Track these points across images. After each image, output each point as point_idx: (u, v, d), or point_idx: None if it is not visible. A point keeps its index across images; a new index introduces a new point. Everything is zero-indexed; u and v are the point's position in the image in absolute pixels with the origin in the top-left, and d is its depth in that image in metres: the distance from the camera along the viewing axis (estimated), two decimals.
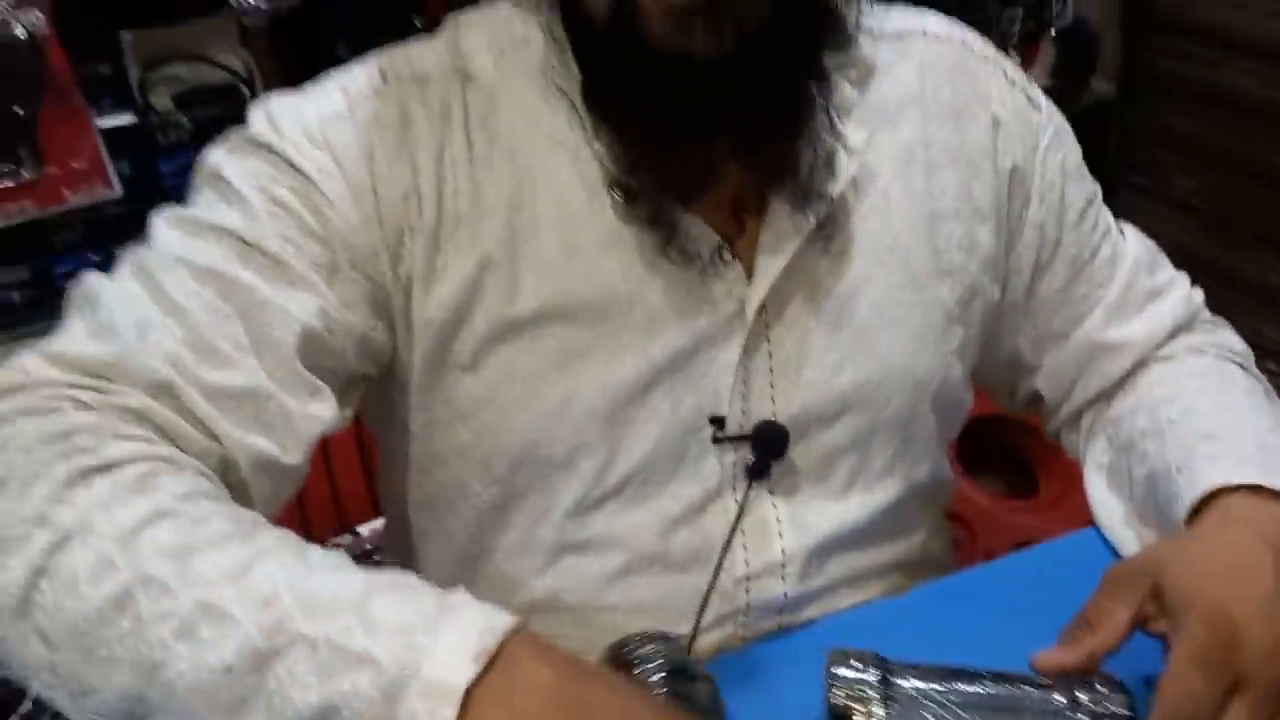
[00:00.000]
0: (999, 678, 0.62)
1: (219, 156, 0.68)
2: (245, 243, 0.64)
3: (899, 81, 0.76)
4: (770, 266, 0.70)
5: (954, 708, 0.60)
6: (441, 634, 0.47)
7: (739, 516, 0.73)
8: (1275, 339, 0.76)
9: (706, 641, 0.74)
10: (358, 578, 0.51)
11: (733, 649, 0.75)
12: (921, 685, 0.61)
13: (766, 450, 0.72)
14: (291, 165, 0.66)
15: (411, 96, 0.70)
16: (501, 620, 0.49)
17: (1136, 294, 0.83)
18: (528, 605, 0.75)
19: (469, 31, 0.73)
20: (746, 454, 0.73)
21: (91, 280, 0.63)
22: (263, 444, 0.62)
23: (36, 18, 1.25)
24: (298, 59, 1.49)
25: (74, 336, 0.60)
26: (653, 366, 0.70)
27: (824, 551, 0.76)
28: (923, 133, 0.76)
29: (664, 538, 0.74)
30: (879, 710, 0.59)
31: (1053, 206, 0.80)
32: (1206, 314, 0.86)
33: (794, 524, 0.75)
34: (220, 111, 1.43)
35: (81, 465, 0.53)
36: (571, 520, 0.73)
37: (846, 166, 0.71)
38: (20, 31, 1.24)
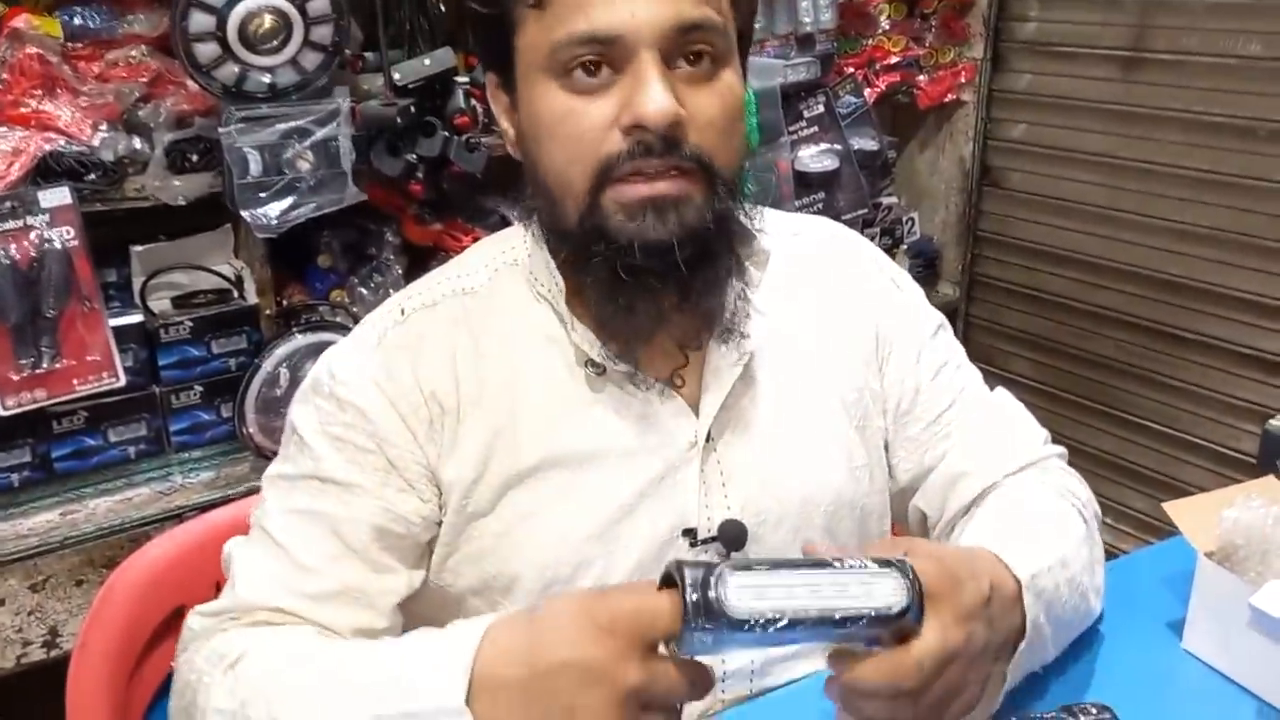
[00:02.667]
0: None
1: (294, 413, 0.92)
2: (320, 480, 0.88)
3: (795, 265, 1.01)
4: (712, 401, 0.93)
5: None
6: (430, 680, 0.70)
7: None
8: (1101, 495, 0.96)
9: (693, 709, 0.92)
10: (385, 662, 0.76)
11: (712, 714, 0.94)
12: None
13: (731, 542, 0.93)
14: (340, 401, 0.89)
15: (424, 320, 0.92)
16: (467, 645, 0.69)
17: (993, 436, 1.02)
18: None
19: (469, 256, 0.98)
20: (714, 554, 0.94)
21: (228, 548, 0.89)
22: (358, 620, 0.87)
23: (68, 232, 1.44)
24: (284, 266, 1.71)
25: (220, 597, 0.86)
26: (632, 492, 0.92)
27: None
28: (816, 303, 1.01)
29: None
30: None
31: (911, 365, 1.01)
32: (1061, 463, 1.03)
33: None
34: (215, 312, 1.61)
35: (228, 663, 0.80)
36: None
37: (759, 326, 0.94)
38: (56, 244, 1.43)
